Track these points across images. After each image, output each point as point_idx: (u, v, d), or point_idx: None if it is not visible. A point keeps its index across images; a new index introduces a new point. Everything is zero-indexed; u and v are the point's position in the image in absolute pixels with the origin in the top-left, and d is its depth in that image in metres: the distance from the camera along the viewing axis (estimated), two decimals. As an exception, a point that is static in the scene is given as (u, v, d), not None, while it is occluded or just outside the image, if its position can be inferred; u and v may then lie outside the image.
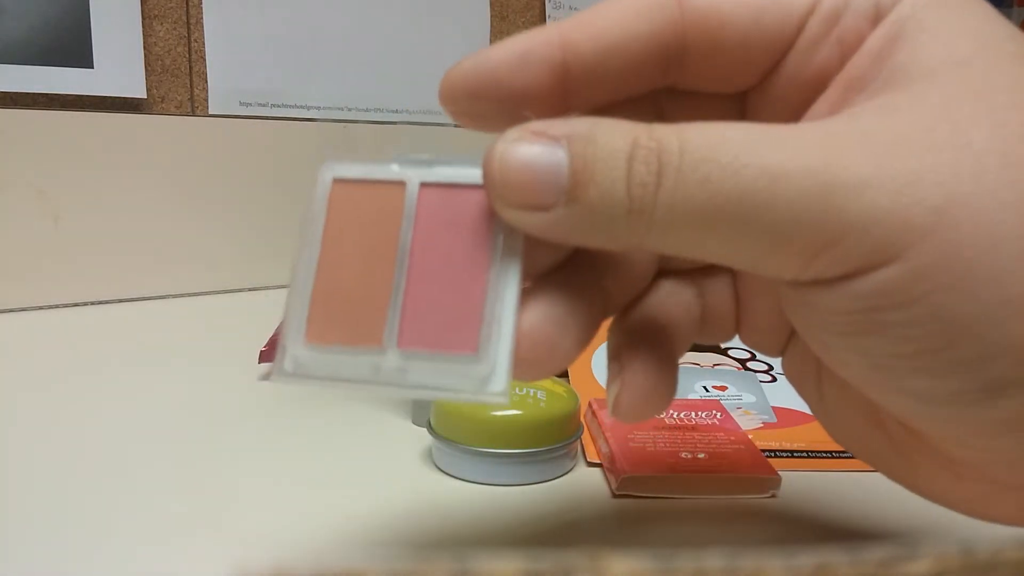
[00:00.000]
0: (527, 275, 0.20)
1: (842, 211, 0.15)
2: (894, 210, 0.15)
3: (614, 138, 0.17)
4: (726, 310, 0.24)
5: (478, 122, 0.20)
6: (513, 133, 0.18)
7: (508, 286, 0.19)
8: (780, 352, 0.24)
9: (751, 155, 0.16)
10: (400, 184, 0.20)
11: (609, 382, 0.22)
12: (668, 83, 0.21)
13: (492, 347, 0.19)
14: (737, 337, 0.25)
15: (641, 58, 0.19)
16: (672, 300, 0.23)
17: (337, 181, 0.20)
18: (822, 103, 0.19)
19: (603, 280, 0.22)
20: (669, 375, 0.22)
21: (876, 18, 0.18)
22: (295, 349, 0.20)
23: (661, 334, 0.23)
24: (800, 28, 0.19)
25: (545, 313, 0.19)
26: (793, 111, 0.20)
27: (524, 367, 0.19)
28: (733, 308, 0.24)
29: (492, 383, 0.19)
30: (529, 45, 0.19)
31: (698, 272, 0.24)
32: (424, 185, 0.20)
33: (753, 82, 0.20)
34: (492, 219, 0.20)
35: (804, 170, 0.15)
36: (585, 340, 0.20)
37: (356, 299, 0.20)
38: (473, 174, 0.20)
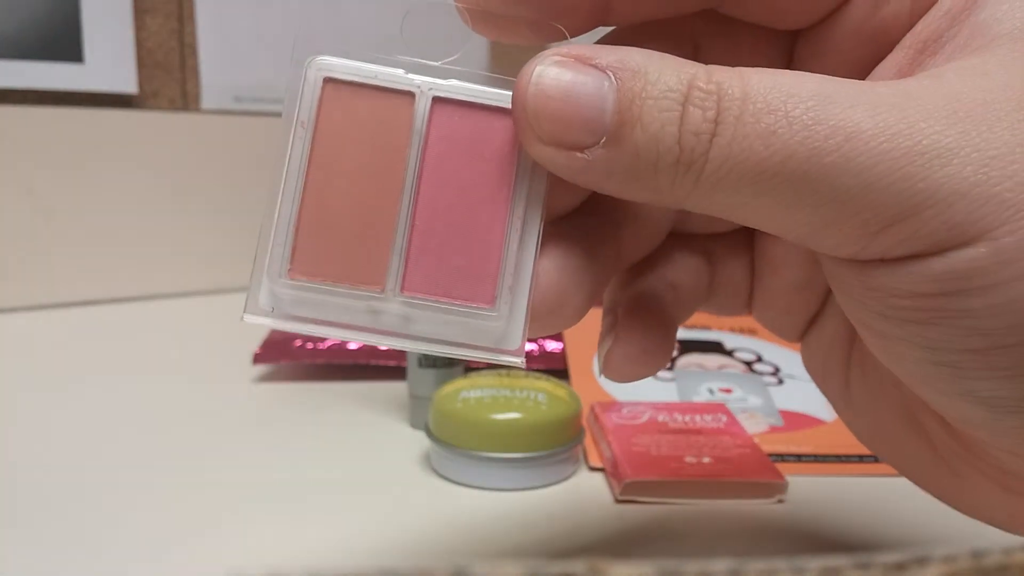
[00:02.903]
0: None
1: (923, 180, 0.14)
2: (982, 183, 0.13)
3: (668, 76, 0.15)
4: (738, 282, 0.22)
5: (498, 29, 0.18)
6: (552, 55, 0.16)
7: (530, 234, 0.17)
8: (798, 336, 0.23)
9: (823, 110, 0.14)
10: (408, 94, 0.17)
11: (601, 337, 0.21)
12: (713, 4, 0.19)
13: (510, 302, 0.17)
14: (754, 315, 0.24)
15: None
16: (680, 262, 0.22)
17: (329, 81, 0.17)
18: (888, 65, 0.18)
19: (620, 231, 0.20)
20: (664, 337, 0.20)
21: None
22: (274, 284, 0.17)
23: (663, 295, 0.21)
24: None
25: (560, 264, 0.18)
26: (848, 69, 0.18)
27: (531, 321, 0.17)
28: (747, 281, 0.22)
29: (508, 342, 0.17)
30: None
31: (712, 237, 0.22)
32: (437, 100, 0.17)
33: (809, 21, 0.18)
34: (516, 150, 0.17)
35: (882, 132, 0.14)
36: (596, 296, 0.19)
37: (352, 230, 0.17)
38: (497, 95, 0.17)
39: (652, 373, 0.21)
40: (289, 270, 0.17)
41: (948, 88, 0.14)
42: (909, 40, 0.17)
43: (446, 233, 0.17)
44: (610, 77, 0.15)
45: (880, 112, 0.14)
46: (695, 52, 0.19)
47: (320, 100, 0.17)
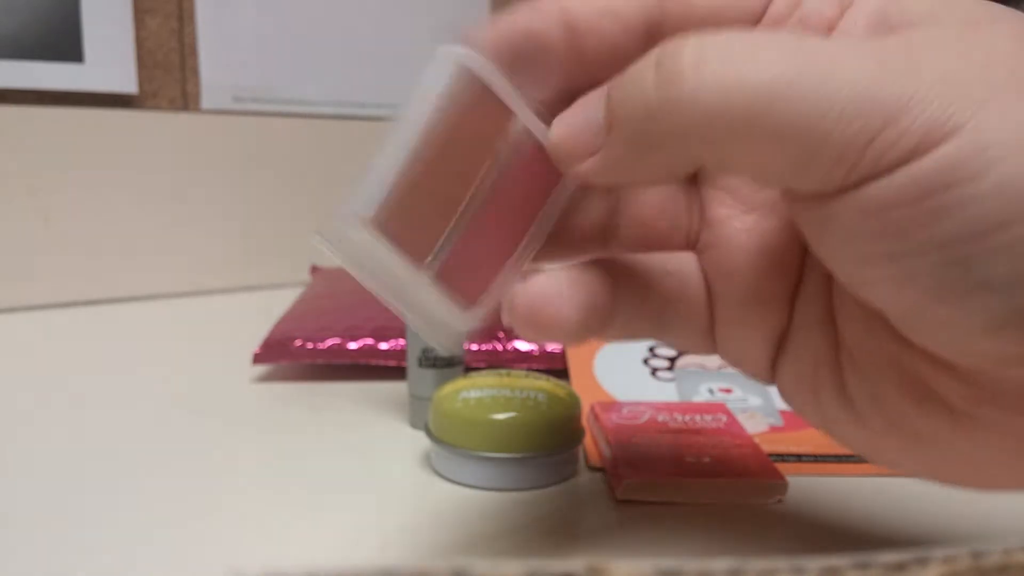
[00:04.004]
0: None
1: (902, 87, 0.15)
2: (952, 85, 0.15)
3: (643, 59, 0.18)
4: (696, 301, 0.23)
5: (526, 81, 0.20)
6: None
7: (524, 257, 0.21)
8: (768, 368, 0.23)
9: (804, 39, 0.16)
10: (512, 114, 0.20)
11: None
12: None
13: (482, 307, 0.20)
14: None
15: (628, 25, 0.20)
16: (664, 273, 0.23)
17: (466, 70, 0.19)
18: None
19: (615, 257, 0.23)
20: (593, 288, 0.21)
21: (842, 5, 0.19)
22: (355, 230, 0.19)
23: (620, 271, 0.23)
24: (766, 6, 0.20)
25: (546, 282, 0.20)
26: None
27: (524, 326, 0.20)
28: (704, 301, 0.23)
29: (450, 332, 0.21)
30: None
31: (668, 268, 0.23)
32: (526, 129, 0.20)
33: None
34: (551, 186, 0.21)
35: (857, 54, 0.16)
36: (590, 305, 0.21)
37: (427, 206, 0.19)
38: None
39: (560, 321, 0.21)
40: (372, 219, 0.19)
41: (897, 36, 0.17)
42: None
43: (482, 244, 0.20)
44: (604, 97, 0.19)
45: (849, 43, 0.17)
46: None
47: (453, 84, 0.19)
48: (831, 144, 0.16)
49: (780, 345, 0.22)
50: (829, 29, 0.19)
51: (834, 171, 0.16)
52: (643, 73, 0.17)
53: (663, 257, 0.23)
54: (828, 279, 0.21)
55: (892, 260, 0.16)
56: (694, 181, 0.23)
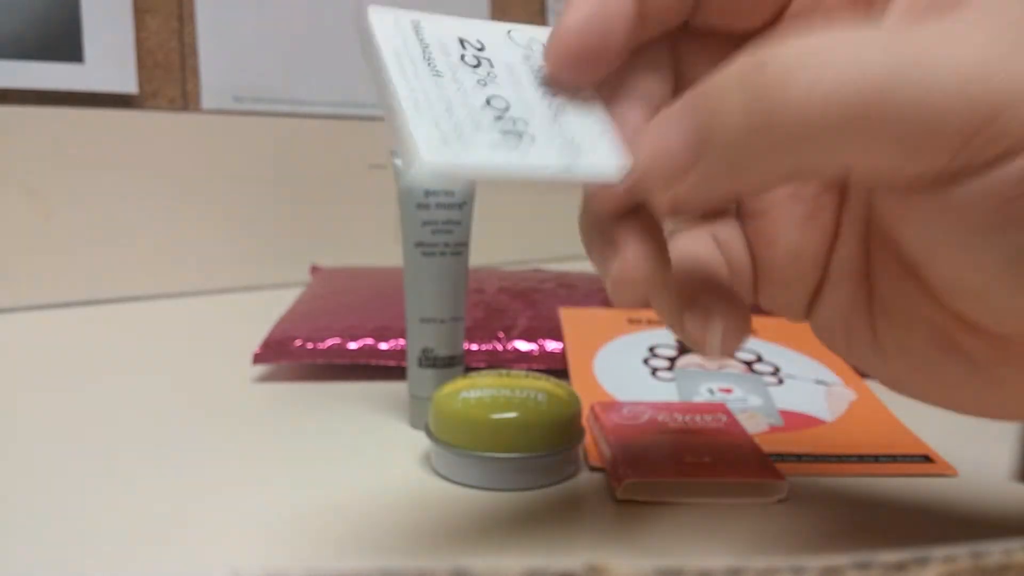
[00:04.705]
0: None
1: (999, 86, 0.15)
2: None
3: (724, 72, 0.17)
4: (740, 262, 0.24)
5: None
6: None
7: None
8: (804, 312, 0.24)
9: (897, 43, 0.15)
10: None
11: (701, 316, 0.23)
12: (688, 17, 0.21)
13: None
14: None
15: None
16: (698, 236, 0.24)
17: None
18: None
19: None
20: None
21: None
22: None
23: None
24: None
25: None
26: None
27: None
28: (748, 261, 0.24)
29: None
30: None
31: (712, 225, 0.24)
32: None
33: (765, 19, 0.21)
34: None
35: (949, 54, 0.15)
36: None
37: None
38: None
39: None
40: None
41: (957, 27, 0.16)
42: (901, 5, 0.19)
43: None
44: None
45: (930, 39, 0.15)
46: (675, 65, 0.22)
47: None
48: (931, 143, 0.15)
49: (816, 295, 0.24)
50: (869, 5, 0.19)
51: (935, 162, 0.16)
52: (731, 85, 0.16)
53: (713, 227, 0.24)
54: (863, 239, 0.22)
55: (967, 251, 0.17)
56: None
